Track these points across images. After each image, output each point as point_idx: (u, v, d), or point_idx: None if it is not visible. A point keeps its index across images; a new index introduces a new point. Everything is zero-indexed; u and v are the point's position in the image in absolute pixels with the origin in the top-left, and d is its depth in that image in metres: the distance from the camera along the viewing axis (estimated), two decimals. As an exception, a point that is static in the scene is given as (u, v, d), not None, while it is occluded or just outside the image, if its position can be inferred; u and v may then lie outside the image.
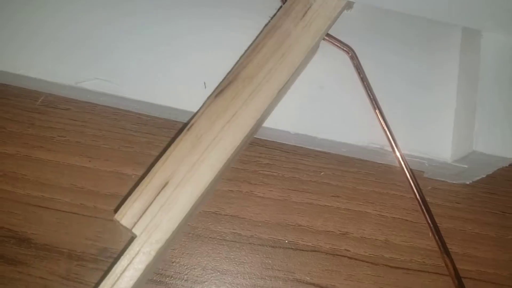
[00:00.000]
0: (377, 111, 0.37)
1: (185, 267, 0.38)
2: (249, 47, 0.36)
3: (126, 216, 0.31)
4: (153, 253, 0.31)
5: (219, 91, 0.34)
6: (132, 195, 0.32)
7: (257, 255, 0.39)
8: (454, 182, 0.41)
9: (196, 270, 0.38)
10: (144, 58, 0.39)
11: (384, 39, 0.40)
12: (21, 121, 0.41)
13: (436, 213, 0.40)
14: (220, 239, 0.39)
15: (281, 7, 0.37)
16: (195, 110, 0.35)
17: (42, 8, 0.40)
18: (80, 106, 0.41)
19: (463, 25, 0.38)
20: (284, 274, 0.38)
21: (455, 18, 0.35)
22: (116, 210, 0.31)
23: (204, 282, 0.38)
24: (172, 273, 0.38)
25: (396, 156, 0.36)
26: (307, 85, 0.38)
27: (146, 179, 0.32)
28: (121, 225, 0.31)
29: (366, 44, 0.39)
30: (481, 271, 0.40)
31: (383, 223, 0.40)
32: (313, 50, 0.37)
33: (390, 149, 0.36)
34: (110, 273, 0.30)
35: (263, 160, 0.41)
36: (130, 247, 0.31)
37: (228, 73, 0.35)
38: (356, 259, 0.39)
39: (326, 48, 0.38)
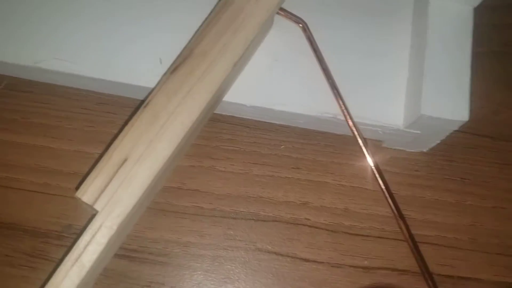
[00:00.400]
0: (330, 81, 0.37)
1: (149, 241, 0.39)
2: (202, 24, 0.36)
3: (87, 193, 0.32)
4: (114, 227, 0.32)
5: (174, 68, 0.35)
6: (92, 172, 0.32)
7: (220, 227, 0.39)
8: (412, 150, 0.42)
9: (159, 243, 0.39)
10: (102, 37, 0.39)
11: (337, 10, 0.41)
12: (-16, 105, 0.41)
13: (396, 181, 0.41)
14: (183, 213, 0.40)
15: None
16: (152, 87, 0.36)
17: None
18: (43, 88, 0.41)
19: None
20: (246, 244, 0.39)
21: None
22: (77, 188, 0.32)
23: (167, 254, 0.38)
24: (136, 247, 0.39)
25: (349, 124, 0.37)
26: (262, 59, 0.39)
27: (106, 157, 0.33)
28: (83, 202, 0.32)
29: (319, 16, 0.40)
30: (441, 236, 0.40)
31: (342, 192, 0.41)
32: (268, 24, 0.37)
33: (343, 118, 0.37)
34: (74, 247, 0.31)
35: (224, 135, 0.42)
36: (92, 222, 0.31)
37: (182, 50, 0.36)
38: (316, 227, 0.40)
39: (281, 22, 0.39)
